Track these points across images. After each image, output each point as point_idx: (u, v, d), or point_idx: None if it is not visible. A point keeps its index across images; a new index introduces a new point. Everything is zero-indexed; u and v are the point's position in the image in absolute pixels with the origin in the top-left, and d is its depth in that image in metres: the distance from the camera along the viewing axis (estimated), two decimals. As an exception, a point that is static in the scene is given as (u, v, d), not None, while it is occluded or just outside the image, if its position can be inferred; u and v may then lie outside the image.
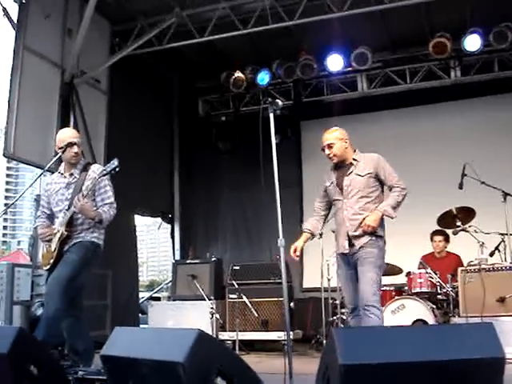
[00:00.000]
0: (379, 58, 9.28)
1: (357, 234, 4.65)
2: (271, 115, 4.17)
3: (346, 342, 2.51)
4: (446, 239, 7.43)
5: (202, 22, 8.35)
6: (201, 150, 10.70)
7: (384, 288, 6.86)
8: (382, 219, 4.72)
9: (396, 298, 6.60)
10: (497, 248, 6.63)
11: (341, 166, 4.88)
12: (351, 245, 4.68)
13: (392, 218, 4.69)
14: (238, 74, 9.24)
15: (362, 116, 9.54)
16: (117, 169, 4.48)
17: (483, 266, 6.23)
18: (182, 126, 10.72)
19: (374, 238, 4.64)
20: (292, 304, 7.67)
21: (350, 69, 8.99)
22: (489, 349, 2.62)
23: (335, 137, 4.86)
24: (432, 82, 9.30)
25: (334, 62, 8.88)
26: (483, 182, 6.86)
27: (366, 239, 4.64)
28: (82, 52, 7.65)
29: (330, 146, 4.84)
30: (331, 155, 4.83)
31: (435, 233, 7.47)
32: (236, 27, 8.19)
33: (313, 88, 9.79)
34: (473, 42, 8.23)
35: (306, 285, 9.52)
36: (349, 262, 4.74)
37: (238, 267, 8.00)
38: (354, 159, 4.84)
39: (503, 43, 8.07)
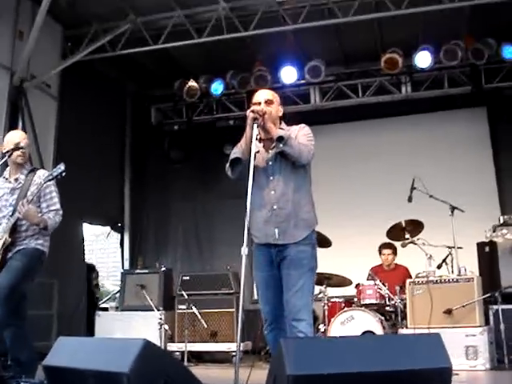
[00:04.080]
0: (332, 71, 9.40)
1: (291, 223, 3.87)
2: (255, 126, 3.75)
3: (293, 353, 2.49)
4: (394, 252, 7.55)
5: (157, 30, 8.28)
6: (153, 159, 10.61)
7: (333, 299, 6.93)
8: (313, 210, 4.05)
9: (345, 309, 6.63)
10: (444, 261, 6.76)
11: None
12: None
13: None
14: (192, 83, 9.18)
15: (314, 128, 9.41)
16: (63, 174, 4.38)
17: (431, 278, 6.35)
18: (134, 133, 10.59)
19: (310, 232, 3.93)
20: (241, 315, 7.62)
21: (303, 81, 9.07)
22: (436, 359, 2.64)
23: (273, 95, 4.10)
24: (383, 97, 9.43)
25: (288, 74, 8.92)
26: (431, 196, 7.00)
27: (301, 232, 3.89)
28: (33, 55, 7.46)
29: (269, 102, 4.01)
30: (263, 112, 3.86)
31: (383, 246, 7.57)
32: (191, 36, 8.15)
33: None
34: (423, 59, 8.40)
35: (256, 296, 9.47)
36: (272, 259, 3.90)
37: (187, 277, 7.93)
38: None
39: (453, 60, 8.26)
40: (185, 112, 10.12)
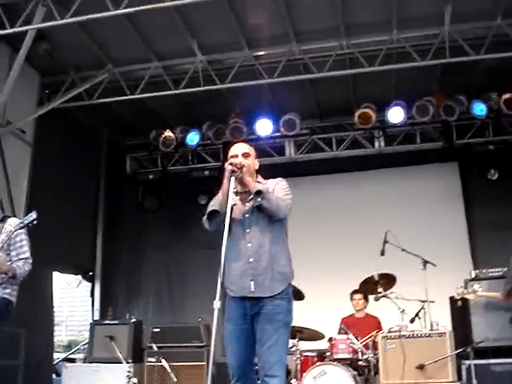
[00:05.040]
0: (307, 124, 9.56)
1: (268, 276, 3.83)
2: (232, 179, 3.80)
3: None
4: (366, 298, 7.55)
5: (134, 80, 8.37)
6: (127, 207, 10.54)
7: (306, 353, 6.84)
8: (290, 263, 4.02)
9: (318, 363, 6.53)
10: (417, 315, 6.73)
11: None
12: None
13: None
14: (168, 133, 9.22)
15: (288, 180, 9.49)
16: (35, 222, 4.33)
17: (403, 333, 6.32)
18: (108, 181, 10.53)
19: (286, 286, 3.89)
20: (212, 368, 7.48)
21: (278, 134, 9.17)
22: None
23: (250, 149, 4.15)
24: (357, 151, 9.59)
25: (263, 127, 9.05)
26: (404, 250, 7.03)
27: (277, 285, 3.84)
28: (9, 102, 7.46)
29: (246, 155, 4.06)
30: (241, 165, 3.90)
31: (355, 292, 7.60)
32: (168, 87, 8.24)
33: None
34: (396, 114, 8.59)
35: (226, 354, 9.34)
36: (245, 312, 3.84)
37: (158, 329, 7.77)
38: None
39: (425, 116, 8.45)
40: (160, 161, 10.11)
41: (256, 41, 7.83)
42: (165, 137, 9.22)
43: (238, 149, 4.10)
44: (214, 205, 3.95)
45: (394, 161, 9.62)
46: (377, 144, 9.47)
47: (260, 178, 4.10)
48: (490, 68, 7.94)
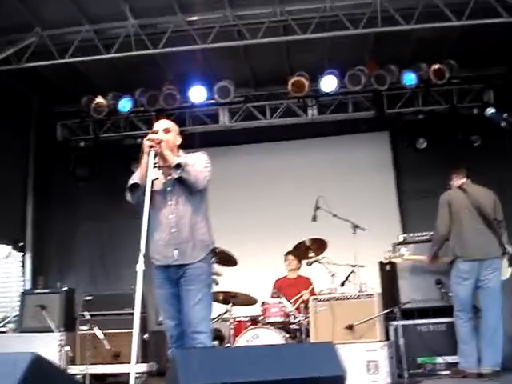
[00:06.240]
0: (241, 92, 9.51)
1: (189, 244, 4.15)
2: (152, 153, 4.02)
3: (187, 364, 2.45)
4: (299, 260, 7.69)
5: (64, 44, 8.07)
6: (58, 176, 10.27)
7: (239, 318, 6.92)
8: (210, 231, 4.31)
9: (250, 327, 6.62)
10: (347, 278, 6.90)
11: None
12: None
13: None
14: (100, 99, 8.98)
15: (223, 149, 9.66)
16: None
17: (333, 295, 6.48)
18: (38, 150, 10.19)
19: (208, 252, 4.22)
20: (146, 336, 7.50)
21: (212, 101, 9.10)
22: (331, 367, 2.68)
23: (171, 125, 4.42)
24: (291, 119, 9.64)
25: (197, 94, 8.94)
26: (335, 215, 7.17)
27: (198, 253, 4.16)
28: None
29: (166, 131, 4.31)
30: (160, 140, 4.11)
31: (288, 252, 7.77)
32: (99, 51, 8.03)
33: (175, 118, 9.76)
34: (329, 83, 8.65)
35: (161, 317, 9.34)
36: (171, 277, 4.16)
37: (90, 297, 7.69)
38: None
39: (357, 85, 8.56)
40: (92, 129, 9.89)
41: (189, 5, 7.70)
42: (96, 103, 8.99)
43: (160, 125, 4.37)
44: (134, 178, 4.21)
45: (327, 130, 9.74)
46: (310, 112, 9.53)
47: (181, 153, 4.38)
48: (421, 38, 8.08)
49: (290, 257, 7.77)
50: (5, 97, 9.09)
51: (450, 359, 6.65)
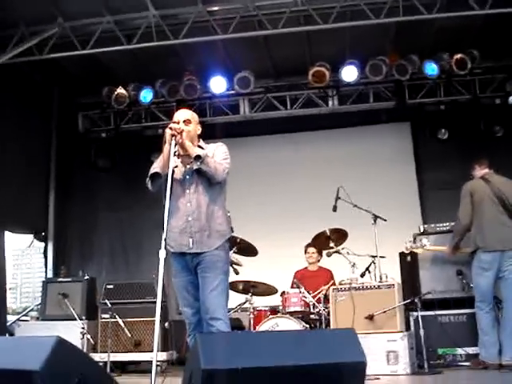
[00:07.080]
0: (262, 83, 9.50)
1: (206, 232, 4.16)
2: (173, 143, 4.00)
3: (209, 347, 2.48)
4: (320, 252, 7.67)
5: (86, 35, 8.12)
6: (79, 167, 10.37)
7: (259, 308, 6.95)
8: (227, 221, 4.35)
9: (270, 317, 6.65)
10: (367, 269, 6.90)
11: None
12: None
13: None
14: (121, 90, 9.04)
15: (243, 139, 9.69)
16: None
17: (353, 285, 6.47)
18: (60, 140, 10.31)
19: (223, 241, 4.23)
20: (166, 324, 7.56)
21: (232, 92, 9.12)
22: (351, 354, 2.69)
23: (192, 115, 4.40)
24: (311, 110, 9.61)
25: (218, 84, 8.96)
26: (356, 205, 7.14)
27: (214, 242, 4.17)
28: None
29: (187, 122, 4.29)
30: (181, 130, 4.11)
31: (309, 245, 7.73)
32: (120, 42, 8.06)
33: (195, 109, 9.78)
34: (350, 73, 8.63)
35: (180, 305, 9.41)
36: (187, 265, 4.19)
37: (111, 286, 7.77)
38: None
39: (378, 76, 8.51)
40: (113, 119, 9.95)
41: (210, -4, 7.72)
42: (117, 94, 9.05)
43: (180, 115, 4.34)
44: (155, 167, 4.18)
45: (348, 120, 9.72)
46: (330, 103, 9.52)
47: (202, 143, 4.40)
48: (442, 28, 8.02)
49: (311, 249, 7.74)
50: (27, 88, 9.20)
51: (471, 350, 6.60)
